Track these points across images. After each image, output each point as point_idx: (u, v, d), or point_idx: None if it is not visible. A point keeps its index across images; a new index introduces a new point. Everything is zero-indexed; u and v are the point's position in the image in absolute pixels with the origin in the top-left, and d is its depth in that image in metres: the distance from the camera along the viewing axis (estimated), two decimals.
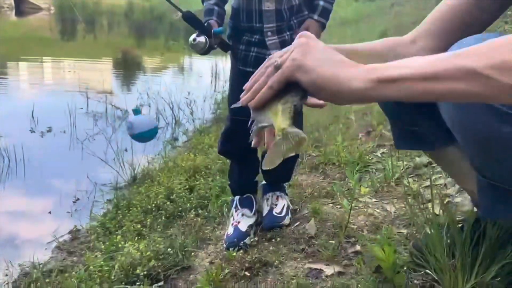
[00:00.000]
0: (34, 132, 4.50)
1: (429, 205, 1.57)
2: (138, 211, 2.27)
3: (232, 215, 1.83)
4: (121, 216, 2.30)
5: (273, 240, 1.66)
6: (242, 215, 1.79)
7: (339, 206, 1.88)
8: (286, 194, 1.89)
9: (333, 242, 1.56)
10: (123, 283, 1.52)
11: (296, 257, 1.53)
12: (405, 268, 1.24)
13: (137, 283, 1.53)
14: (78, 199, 2.99)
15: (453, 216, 1.21)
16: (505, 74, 0.53)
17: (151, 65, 9.94)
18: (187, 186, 2.43)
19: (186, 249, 1.73)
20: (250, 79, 0.73)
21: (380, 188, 1.92)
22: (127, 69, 8.84)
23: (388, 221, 1.63)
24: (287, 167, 1.85)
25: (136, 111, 1.85)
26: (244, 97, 0.71)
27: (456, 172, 1.24)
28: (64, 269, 2.00)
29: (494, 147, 0.82)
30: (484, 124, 0.79)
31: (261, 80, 0.70)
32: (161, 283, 1.58)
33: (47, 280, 1.79)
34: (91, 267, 1.76)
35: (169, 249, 1.70)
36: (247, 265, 1.49)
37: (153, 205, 2.29)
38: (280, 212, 1.76)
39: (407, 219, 1.60)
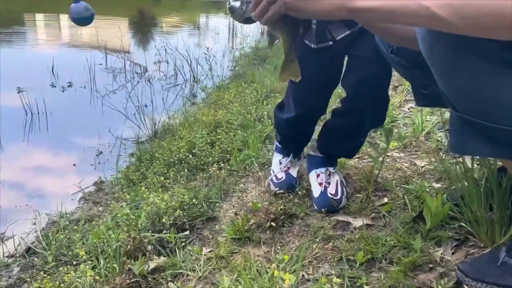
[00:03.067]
0: (54, 87, 4.51)
1: (461, 159, 1.52)
2: (161, 164, 2.26)
3: (277, 160, 1.78)
4: (144, 168, 2.31)
5: (299, 192, 1.64)
6: (290, 161, 1.74)
7: (365, 160, 1.84)
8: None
9: (360, 195, 1.53)
10: (150, 231, 1.53)
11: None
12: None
13: (164, 232, 1.54)
14: (101, 152, 3.01)
15: (491, 167, 1.16)
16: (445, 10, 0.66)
17: (168, 23, 9.77)
18: (208, 140, 2.41)
19: (210, 200, 1.73)
20: None
21: (408, 143, 1.86)
22: (144, 26, 8.71)
23: (418, 176, 1.59)
24: (357, 142, 1.60)
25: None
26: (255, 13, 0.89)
27: None
28: (91, 218, 2.03)
29: (460, 76, 0.81)
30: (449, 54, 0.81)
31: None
32: (187, 232, 1.59)
33: (74, 227, 1.82)
34: (118, 216, 1.79)
35: (193, 200, 1.70)
36: (272, 216, 1.48)
37: (176, 158, 2.28)
38: (335, 193, 1.52)
39: (439, 173, 1.56)
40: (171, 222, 1.59)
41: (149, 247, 1.44)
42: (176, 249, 1.45)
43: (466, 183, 1.17)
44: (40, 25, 8.94)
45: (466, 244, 1.14)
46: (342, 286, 1.10)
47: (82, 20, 1.87)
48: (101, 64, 5.31)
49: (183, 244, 1.53)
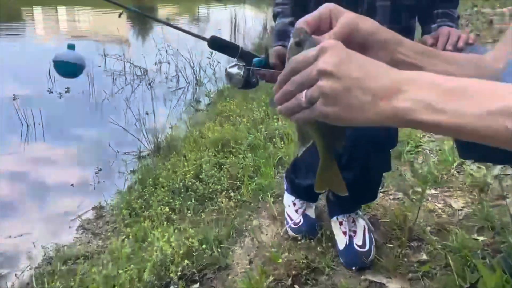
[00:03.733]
0: (52, 93, 4.33)
1: (504, 201, 1.35)
2: (166, 191, 2.10)
3: (290, 202, 1.61)
4: (147, 195, 2.14)
5: (322, 238, 1.47)
6: (305, 203, 1.57)
7: (391, 196, 1.67)
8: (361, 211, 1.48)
9: (392, 245, 1.36)
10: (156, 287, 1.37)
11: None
12: None
13: (171, 287, 1.38)
14: (101, 169, 2.84)
15: None
16: None
17: (167, 15, 9.53)
18: (216, 163, 2.24)
19: (221, 245, 1.57)
20: (281, 77, 0.64)
21: (438, 176, 1.69)
22: (142, 19, 8.46)
23: (455, 221, 1.42)
24: (375, 180, 1.41)
25: (70, 46, 1.73)
26: (279, 106, 0.65)
27: None
28: (90, 255, 1.87)
29: None
30: None
31: (292, 93, 0.63)
32: (196, 285, 1.42)
33: (71, 276, 1.66)
34: (119, 260, 1.62)
35: (203, 246, 1.53)
36: (293, 272, 1.32)
37: (181, 184, 2.11)
38: (363, 245, 1.34)
39: (479, 219, 1.39)
40: (179, 274, 1.43)
41: None
42: None
43: None
44: (38, 17, 8.71)
45: None
46: None
47: (67, 67, 1.56)
48: (99, 66, 5.13)
49: None
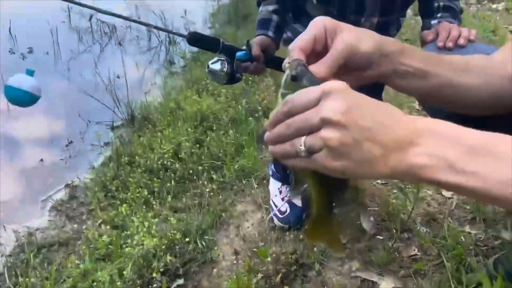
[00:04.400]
0: (13, 53, 4.02)
1: None
2: (142, 172, 1.99)
3: (275, 189, 1.55)
4: (123, 175, 2.03)
5: None
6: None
7: (379, 181, 1.63)
8: None
9: (382, 237, 1.33)
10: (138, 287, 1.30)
11: (340, 257, 1.31)
12: None
13: (154, 285, 1.31)
14: (71, 142, 2.68)
15: None
16: None
17: None
18: (195, 140, 2.13)
19: (205, 237, 1.50)
20: (273, 117, 0.55)
21: None
22: None
23: (446, 212, 1.39)
24: None
25: (28, 72, 1.57)
26: (270, 148, 0.56)
27: None
28: (65, 242, 1.78)
29: None
30: None
31: (287, 137, 0.54)
32: (181, 281, 1.37)
33: (46, 268, 1.57)
34: (96, 251, 1.55)
35: (186, 239, 1.46)
36: (282, 270, 1.27)
37: (159, 163, 2.01)
38: None
39: (469, 210, 1.36)
40: (162, 270, 1.37)
41: None
42: None
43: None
44: None
45: None
46: None
47: (18, 93, 1.36)
48: (64, 22, 4.78)
49: None
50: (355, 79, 0.67)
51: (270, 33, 1.21)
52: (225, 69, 1.11)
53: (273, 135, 0.55)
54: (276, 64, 1.15)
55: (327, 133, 0.49)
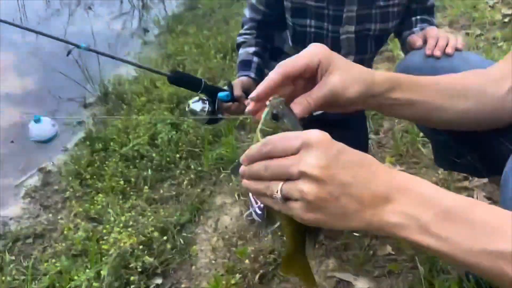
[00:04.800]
0: None
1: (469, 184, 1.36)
2: (118, 161, 1.95)
3: None
4: (98, 162, 1.98)
5: None
6: None
7: None
8: None
9: (358, 234, 1.35)
10: None
11: (317, 255, 1.33)
12: None
13: (132, 286, 1.31)
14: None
15: None
16: None
17: None
18: (172, 124, 2.08)
19: (183, 234, 1.50)
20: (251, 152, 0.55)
21: (404, 151, 1.66)
22: None
23: None
24: None
25: (36, 119, 1.90)
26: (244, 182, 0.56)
27: None
28: (40, 233, 1.76)
29: None
30: None
31: (263, 177, 0.54)
32: (159, 280, 1.38)
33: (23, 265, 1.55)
34: (74, 246, 1.53)
35: (164, 237, 1.46)
36: (260, 270, 1.29)
37: (135, 151, 1.97)
38: None
39: None
40: (140, 269, 1.36)
41: None
42: None
43: None
44: None
45: None
46: None
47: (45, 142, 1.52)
48: None
49: None
50: (340, 109, 0.67)
51: (252, 75, 1.22)
52: (206, 109, 1.11)
53: (249, 172, 0.55)
54: None
55: (305, 187, 0.49)
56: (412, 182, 0.52)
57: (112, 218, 1.62)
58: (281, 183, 0.51)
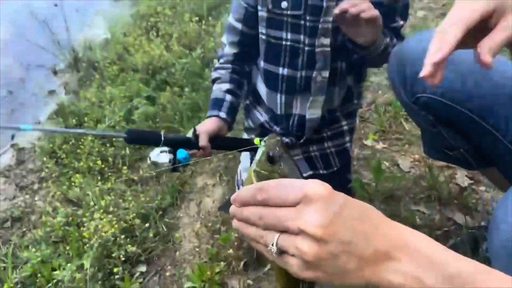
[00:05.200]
0: None
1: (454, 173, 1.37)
2: (94, 137, 1.87)
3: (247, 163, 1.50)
4: (73, 140, 1.91)
5: None
6: None
7: None
8: None
9: None
10: (99, 281, 1.29)
11: None
12: None
13: (116, 276, 1.31)
14: (11, 92, 2.47)
15: None
16: None
17: None
18: (148, 97, 1.99)
19: (165, 219, 1.48)
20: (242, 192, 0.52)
21: (387, 126, 1.63)
22: None
23: (402, 187, 1.41)
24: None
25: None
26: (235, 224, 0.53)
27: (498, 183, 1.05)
28: (17, 217, 1.71)
29: None
30: None
31: (256, 224, 0.51)
32: (143, 268, 1.37)
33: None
34: (54, 232, 1.50)
35: (146, 224, 1.43)
36: (245, 258, 1.29)
37: (110, 127, 1.90)
38: None
39: (426, 188, 1.39)
40: (123, 258, 1.35)
41: None
42: None
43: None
44: None
45: None
46: None
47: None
48: None
49: (141, 284, 1.33)
50: None
51: (223, 115, 1.13)
52: (168, 161, 1.06)
53: (241, 216, 0.52)
54: (228, 146, 1.12)
55: (304, 246, 0.47)
56: (415, 239, 0.49)
57: (91, 202, 1.58)
58: (277, 234, 0.48)
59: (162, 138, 1.03)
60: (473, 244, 1.09)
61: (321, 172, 1.23)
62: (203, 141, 1.06)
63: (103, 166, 1.76)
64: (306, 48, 1.07)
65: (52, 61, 2.60)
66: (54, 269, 1.38)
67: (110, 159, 1.78)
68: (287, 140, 1.20)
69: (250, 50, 1.18)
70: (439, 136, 0.96)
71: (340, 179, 1.25)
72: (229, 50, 1.19)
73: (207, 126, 1.11)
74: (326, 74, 1.10)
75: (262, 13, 1.08)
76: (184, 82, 2.02)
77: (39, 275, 1.38)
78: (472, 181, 1.37)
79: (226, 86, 1.17)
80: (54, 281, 1.31)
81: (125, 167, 1.72)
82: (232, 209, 0.53)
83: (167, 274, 1.35)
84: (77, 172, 1.77)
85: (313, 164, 1.22)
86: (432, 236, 1.25)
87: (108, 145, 1.85)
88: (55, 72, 2.63)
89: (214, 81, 1.21)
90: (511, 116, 0.80)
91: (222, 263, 1.29)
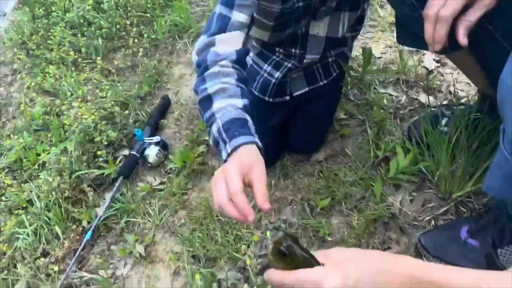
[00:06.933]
0: None
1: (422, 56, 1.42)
2: (63, 27, 1.82)
3: None
4: (42, 31, 1.84)
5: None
6: None
7: None
8: None
9: None
10: (85, 164, 1.35)
11: None
12: None
13: (101, 159, 1.37)
14: None
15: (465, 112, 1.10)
16: None
17: None
18: None
19: (145, 107, 1.51)
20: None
21: (369, 16, 1.63)
22: None
23: (373, 70, 1.44)
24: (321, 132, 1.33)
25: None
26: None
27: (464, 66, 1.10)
28: None
29: None
30: None
31: None
32: (126, 151, 1.43)
33: None
34: (33, 121, 1.53)
35: (126, 111, 1.47)
36: None
37: (81, 17, 1.83)
38: None
39: (396, 72, 1.44)
40: (106, 143, 1.41)
41: (90, 195, 1.29)
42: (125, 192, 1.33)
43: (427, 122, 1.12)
44: None
45: (424, 190, 1.17)
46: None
47: None
48: None
49: None
50: None
51: (259, 142, 0.81)
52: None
53: None
54: None
55: None
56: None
57: (68, 92, 1.59)
58: None
59: None
60: (434, 120, 1.17)
61: (321, 83, 1.21)
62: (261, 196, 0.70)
63: (76, 56, 1.74)
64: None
65: None
66: (38, 155, 1.44)
67: (83, 49, 1.75)
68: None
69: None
70: (415, 20, 0.95)
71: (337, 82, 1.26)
72: (229, 48, 0.88)
73: (258, 168, 0.73)
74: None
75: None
76: None
77: (24, 159, 1.43)
78: (438, 64, 1.43)
79: (240, 102, 0.83)
80: (40, 162, 1.37)
81: (99, 58, 1.70)
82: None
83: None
84: (50, 63, 1.75)
85: (314, 76, 1.20)
86: (397, 115, 1.33)
87: (79, 35, 1.80)
88: None
89: (208, 97, 0.85)
90: None
91: (201, 146, 1.36)
